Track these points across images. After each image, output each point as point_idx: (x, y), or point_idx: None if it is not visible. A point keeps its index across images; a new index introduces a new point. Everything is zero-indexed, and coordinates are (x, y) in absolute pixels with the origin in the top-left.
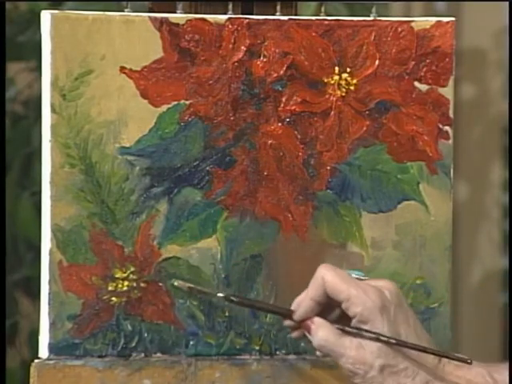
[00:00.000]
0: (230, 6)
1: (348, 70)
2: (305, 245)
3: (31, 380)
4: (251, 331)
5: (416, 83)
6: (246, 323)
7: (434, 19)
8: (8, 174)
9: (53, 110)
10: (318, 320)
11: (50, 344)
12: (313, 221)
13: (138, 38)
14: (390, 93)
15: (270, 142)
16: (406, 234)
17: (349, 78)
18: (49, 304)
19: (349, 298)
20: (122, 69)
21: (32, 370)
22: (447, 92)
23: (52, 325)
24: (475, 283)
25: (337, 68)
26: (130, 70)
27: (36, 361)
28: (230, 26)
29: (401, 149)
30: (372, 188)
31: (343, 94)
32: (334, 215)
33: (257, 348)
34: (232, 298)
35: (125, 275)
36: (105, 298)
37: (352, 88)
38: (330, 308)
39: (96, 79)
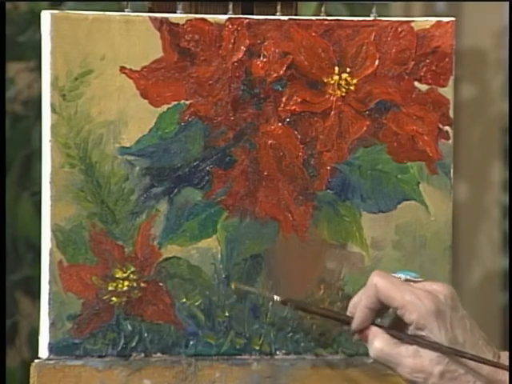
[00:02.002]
0: (230, 6)
1: (348, 70)
2: (305, 245)
3: (31, 380)
4: (251, 331)
5: (416, 83)
6: (245, 323)
7: (434, 19)
8: (8, 174)
9: (53, 109)
10: (374, 329)
11: (49, 344)
12: (313, 221)
13: (137, 37)
14: (389, 93)
15: (270, 141)
16: (406, 234)
17: (349, 78)
18: (49, 304)
19: (403, 306)
20: (122, 69)
21: (32, 370)
22: (447, 92)
23: (52, 325)
24: (475, 283)
25: (337, 68)
26: (130, 69)
27: (36, 361)
28: (230, 26)
29: (401, 149)
30: (372, 188)
31: (343, 94)
32: (334, 215)
33: (257, 348)
34: (289, 303)
35: (125, 275)
36: (105, 297)
37: (352, 88)
38: (386, 308)
39: (96, 79)
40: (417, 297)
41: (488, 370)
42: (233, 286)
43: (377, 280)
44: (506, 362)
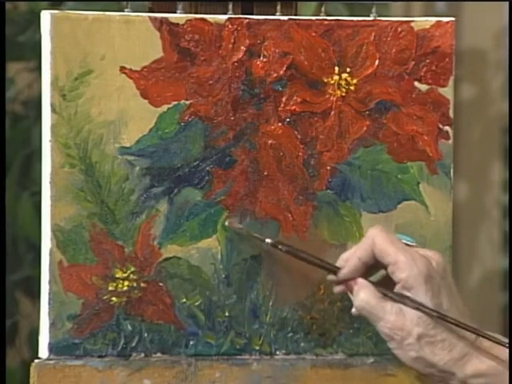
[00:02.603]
0: (230, 6)
1: (348, 70)
2: (305, 245)
3: (31, 380)
4: (251, 331)
5: (416, 83)
6: (246, 323)
7: (433, 19)
8: (8, 174)
9: (53, 109)
10: (361, 281)
11: (49, 344)
12: (313, 221)
13: (137, 37)
14: (389, 93)
15: (270, 141)
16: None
17: (349, 78)
18: (49, 304)
19: (396, 263)
20: (122, 69)
21: (32, 370)
22: (447, 92)
23: (52, 325)
24: (475, 283)
25: (337, 68)
26: (130, 69)
27: (36, 361)
28: (230, 26)
29: (401, 149)
30: (372, 188)
31: (343, 94)
32: (334, 215)
33: (257, 348)
34: (280, 246)
35: (125, 275)
36: (105, 297)
37: (352, 88)
38: (374, 269)
39: (96, 79)
40: (411, 257)
41: (467, 340)
42: (227, 223)
43: (375, 233)
44: (487, 343)
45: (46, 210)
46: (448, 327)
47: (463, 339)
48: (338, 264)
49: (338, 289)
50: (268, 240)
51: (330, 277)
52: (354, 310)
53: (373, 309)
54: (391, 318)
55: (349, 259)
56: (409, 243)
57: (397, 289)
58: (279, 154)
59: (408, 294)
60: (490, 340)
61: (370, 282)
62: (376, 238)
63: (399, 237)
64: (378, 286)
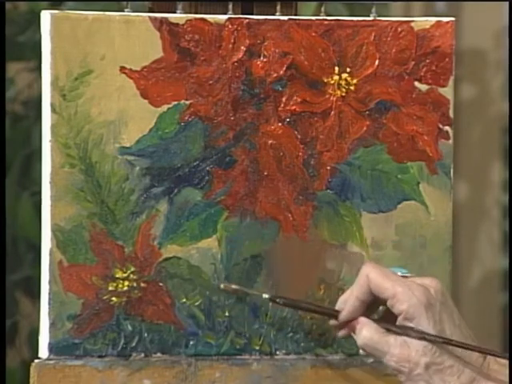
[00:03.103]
0: (230, 6)
1: (348, 70)
2: (305, 245)
3: (31, 380)
4: (251, 331)
5: (416, 83)
6: (245, 323)
7: (433, 19)
8: (8, 174)
9: (53, 109)
10: (362, 319)
11: (49, 344)
12: (313, 221)
13: (137, 38)
14: (389, 93)
15: (270, 141)
16: (406, 234)
17: (349, 78)
18: (49, 304)
19: (394, 296)
20: (122, 69)
21: (32, 370)
22: (447, 92)
23: (52, 325)
24: (475, 283)
25: (337, 68)
26: (130, 69)
27: (36, 361)
28: (230, 26)
29: (401, 149)
30: (372, 188)
31: (343, 94)
32: (334, 215)
33: (257, 348)
34: (277, 299)
35: (125, 275)
36: (105, 297)
37: (352, 88)
38: (374, 306)
39: (96, 79)
40: (408, 288)
41: (475, 365)
42: (222, 286)
43: (369, 270)
44: (495, 367)
45: (46, 210)
46: (454, 353)
47: (470, 364)
48: (337, 307)
49: (341, 333)
50: (265, 295)
51: (332, 322)
52: (361, 350)
53: (377, 344)
54: (396, 350)
55: (347, 300)
56: (404, 275)
57: (399, 321)
58: (279, 154)
59: (410, 324)
60: (498, 356)
61: (372, 319)
62: (370, 275)
63: (393, 270)
64: (379, 322)
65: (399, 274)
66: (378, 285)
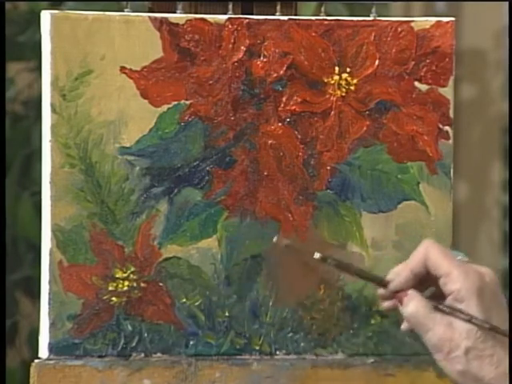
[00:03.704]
0: (230, 6)
1: (348, 70)
2: (305, 245)
3: (31, 380)
4: (251, 331)
5: (416, 83)
6: (245, 323)
7: (433, 19)
8: (8, 174)
9: (53, 109)
10: (412, 292)
11: (49, 344)
12: (313, 221)
13: (137, 38)
14: (389, 93)
15: (270, 141)
16: (406, 234)
17: (349, 78)
18: (49, 304)
19: (449, 274)
20: (122, 69)
21: (32, 370)
22: (447, 92)
23: (52, 325)
24: None
25: (337, 68)
26: (130, 69)
27: (36, 361)
28: (230, 26)
29: (401, 149)
30: (372, 188)
31: (343, 94)
32: (334, 215)
33: (257, 348)
34: (328, 260)
35: (125, 275)
36: (105, 297)
37: (352, 88)
38: (424, 287)
39: (96, 79)
40: (464, 270)
41: None
42: (274, 240)
43: (429, 245)
44: None
45: (46, 210)
46: (497, 342)
47: (509, 334)
48: (388, 278)
49: (385, 304)
50: (317, 255)
51: (381, 291)
52: (403, 326)
53: (423, 319)
54: (441, 329)
55: (400, 271)
56: (462, 259)
57: (447, 301)
58: (279, 154)
59: (459, 306)
60: None
61: (420, 293)
62: (430, 250)
63: (453, 253)
64: (428, 299)
65: (458, 257)
66: (436, 261)
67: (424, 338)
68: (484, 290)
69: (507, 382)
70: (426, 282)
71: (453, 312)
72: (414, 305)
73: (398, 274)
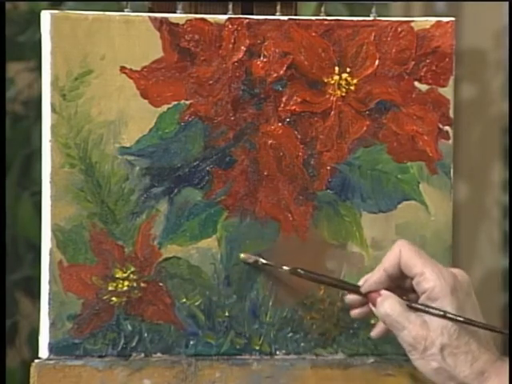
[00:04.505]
0: (230, 6)
1: (348, 70)
2: (305, 245)
3: (31, 380)
4: (251, 331)
5: (416, 83)
6: (245, 323)
7: (434, 19)
8: (8, 174)
9: (53, 109)
10: (385, 292)
11: (49, 344)
12: (313, 221)
13: (137, 38)
14: (390, 93)
15: (270, 141)
16: (406, 234)
17: (349, 78)
18: (49, 304)
19: (422, 273)
20: (122, 69)
21: (32, 370)
22: (447, 92)
23: (52, 325)
24: (475, 283)
25: (337, 68)
26: (130, 69)
27: (36, 361)
28: (230, 26)
29: (401, 149)
30: (372, 188)
31: (343, 94)
32: (334, 215)
33: (257, 348)
34: (299, 270)
35: (125, 275)
36: (105, 297)
37: (352, 88)
38: (397, 288)
39: (96, 79)
40: (437, 269)
41: (488, 360)
42: (242, 256)
43: (402, 245)
44: (506, 367)
45: (46, 210)
46: (471, 341)
47: (485, 355)
48: (360, 283)
49: (355, 312)
50: (285, 267)
51: (350, 297)
52: (373, 332)
53: (398, 317)
54: (416, 327)
55: (373, 273)
56: None
57: (421, 300)
58: (279, 154)
59: (433, 304)
60: None
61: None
62: (403, 250)
63: None
64: (401, 298)
65: None
66: (409, 260)
67: (399, 337)
68: (457, 289)
69: (482, 381)
70: (399, 284)
71: (427, 309)
72: (388, 304)
73: (371, 276)
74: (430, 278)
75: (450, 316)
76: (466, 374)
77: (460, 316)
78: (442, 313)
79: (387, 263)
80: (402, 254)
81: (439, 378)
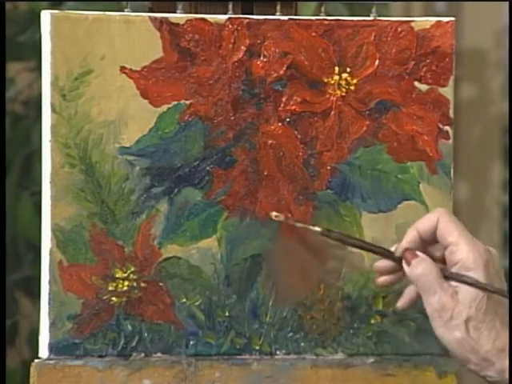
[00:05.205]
0: (230, 6)
1: (348, 69)
2: (305, 245)
3: (31, 380)
4: (251, 331)
5: (416, 83)
6: (245, 323)
7: (434, 19)
8: (8, 174)
9: (53, 109)
10: (422, 254)
11: (49, 344)
12: (313, 221)
13: (137, 37)
14: (390, 93)
15: (270, 141)
16: None
17: (349, 78)
18: (49, 304)
19: (458, 242)
20: (122, 69)
21: (32, 370)
22: (447, 92)
23: (52, 325)
24: None
25: (337, 68)
26: (130, 69)
27: (36, 361)
28: (230, 26)
29: (401, 149)
30: (372, 188)
31: (343, 94)
32: (334, 215)
33: (257, 348)
34: (331, 233)
35: (125, 275)
36: (105, 297)
37: (352, 88)
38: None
39: (96, 79)
40: (473, 241)
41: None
42: (273, 214)
43: (441, 212)
44: None
45: (46, 210)
46: (496, 317)
47: (507, 334)
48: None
49: (382, 279)
50: (317, 228)
51: (380, 263)
52: (399, 303)
53: (430, 282)
54: (445, 297)
55: (407, 235)
56: None
57: (454, 270)
58: (279, 154)
59: (466, 274)
60: None
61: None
62: (442, 216)
63: None
64: (437, 263)
65: None
66: (446, 227)
67: (426, 302)
68: (489, 264)
69: (503, 357)
70: (426, 251)
71: (459, 277)
72: (424, 265)
73: (404, 238)
74: (464, 248)
75: (481, 286)
76: (488, 348)
77: (491, 285)
78: (474, 281)
79: (422, 226)
80: (440, 220)
81: (460, 348)
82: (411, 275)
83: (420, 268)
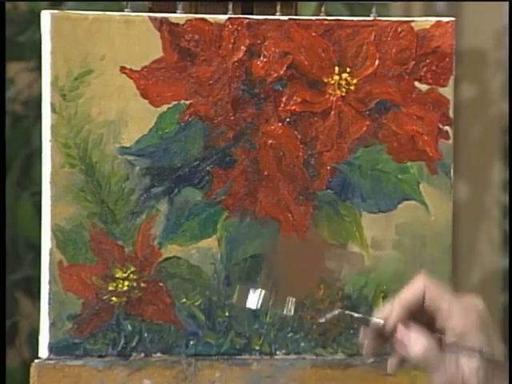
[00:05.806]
0: (230, 6)
1: (348, 69)
2: (305, 245)
3: (31, 380)
4: (251, 331)
5: (416, 83)
6: (246, 323)
7: (434, 19)
8: (8, 174)
9: (53, 109)
10: (416, 330)
11: (49, 344)
12: (313, 221)
13: (137, 38)
14: (390, 93)
15: (270, 141)
16: (406, 234)
17: (349, 78)
18: (49, 304)
19: (450, 309)
20: (122, 69)
21: (32, 369)
22: (447, 92)
23: (52, 325)
24: (475, 283)
25: (337, 68)
26: (130, 69)
27: (36, 361)
28: (230, 26)
29: (401, 149)
30: (372, 188)
31: (343, 94)
32: (334, 215)
33: (257, 348)
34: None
35: (125, 275)
36: (105, 297)
37: (352, 88)
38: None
39: (96, 79)
40: (463, 304)
41: None
42: (328, 317)
43: (425, 279)
44: None
45: (46, 210)
46: (502, 379)
47: (508, 333)
48: (378, 318)
49: (393, 364)
50: (379, 321)
51: (391, 361)
52: (389, 369)
53: (431, 359)
54: (450, 369)
55: (394, 304)
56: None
57: (449, 336)
58: (279, 154)
59: (463, 342)
60: None
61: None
62: (428, 284)
63: None
64: (432, 334)
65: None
66: (435, 295)
67: (432, 375)
68: (485, 324)
69: None
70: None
71: (457, 350)
72: (423, 343)
73: (394, 305)
74: (458, 315)
75: (485, 356)
76: None
77: (492, 355)
78: (474, 352)
79: (408, 297)
80: (428, 288)
81: None
82: (412, 352)
83: (419, 346)
